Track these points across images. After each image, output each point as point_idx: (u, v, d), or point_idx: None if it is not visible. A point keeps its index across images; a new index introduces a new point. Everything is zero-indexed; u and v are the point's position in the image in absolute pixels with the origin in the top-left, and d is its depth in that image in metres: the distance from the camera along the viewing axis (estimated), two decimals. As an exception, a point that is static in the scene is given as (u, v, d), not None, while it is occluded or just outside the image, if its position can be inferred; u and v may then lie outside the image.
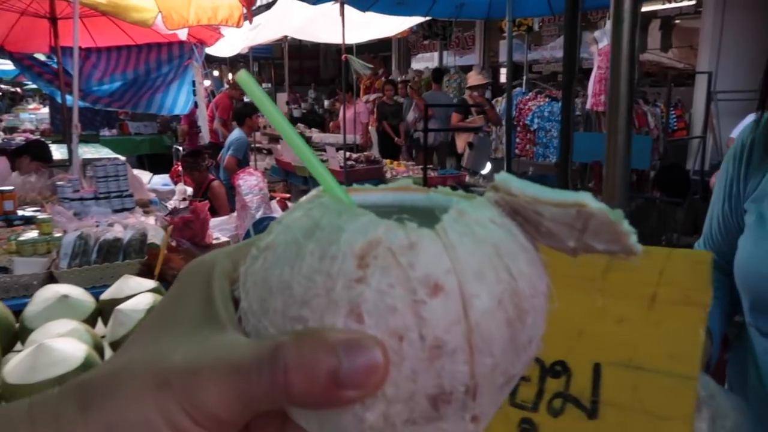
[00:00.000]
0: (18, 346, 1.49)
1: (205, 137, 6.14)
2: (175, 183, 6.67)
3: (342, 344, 0.23)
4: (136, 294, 1.59)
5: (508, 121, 4.49)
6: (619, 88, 1.11)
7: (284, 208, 6.03)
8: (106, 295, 1.61)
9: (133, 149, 9.43)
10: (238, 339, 0.26)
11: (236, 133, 6.27)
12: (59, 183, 3.39)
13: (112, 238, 2.44)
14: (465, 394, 0.25)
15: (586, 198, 0.27)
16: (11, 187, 3.17)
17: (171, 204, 5.59)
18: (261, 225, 3.88)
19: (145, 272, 2.63)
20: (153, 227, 2.90)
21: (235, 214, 5.60)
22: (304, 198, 0.30)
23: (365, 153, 6.26)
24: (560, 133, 2.34)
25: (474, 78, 7.09)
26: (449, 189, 0.33)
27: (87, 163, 5.81)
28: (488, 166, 5.90)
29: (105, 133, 9.63)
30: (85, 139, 6.56)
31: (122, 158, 7.08)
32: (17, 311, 1.51)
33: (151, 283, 1.66)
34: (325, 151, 6.16)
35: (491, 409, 0.27)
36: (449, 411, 0.25)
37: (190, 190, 6.13)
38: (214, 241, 4.11)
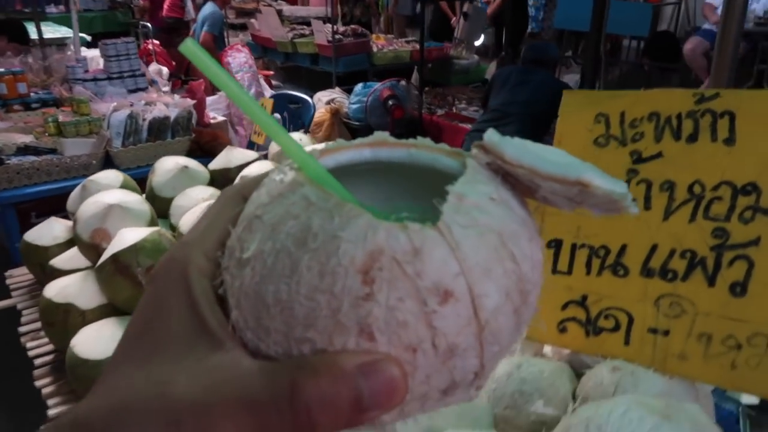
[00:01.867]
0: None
1: (190, 12, 5.79)
2: (147, 63, 6.39)
3: (359, 370, 0.23)
4: (245, 163, 1.69)
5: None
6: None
7: (271, 85, 5.94)
8: (214, 166, 1.71)
9: (85, 27, 8.74)
10: (242, 361, 0.24)
11: (209, 7, 5.93)
12: (69, 64, 3.27)
13: (162, 117, 2.46)
14: (474, 377, 0.26)
15: (590, 175, 0.26)
16: (21, 69, 3.06)
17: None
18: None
19: (195, 149, 2.69)
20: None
21: (222, 92, 5.48)
22: (275, 175, 0.27)
23: (352, 26, 6.10)
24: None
25: None
26: (430, 142, 0.30)
27: (52, 43, 5.45)
28: (482, 38, 5.89)
29: (51, 10, 8.90)
30: (29, 17, 6.04)
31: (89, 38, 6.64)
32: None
33: (253, 154, 1.76)
34: (308, 24, 5.96)
35: (492, 371, 0.27)
36: (458, 392, 0.26)
37: (165, 70, 5.91)
38: (212, 121, 4.12)
